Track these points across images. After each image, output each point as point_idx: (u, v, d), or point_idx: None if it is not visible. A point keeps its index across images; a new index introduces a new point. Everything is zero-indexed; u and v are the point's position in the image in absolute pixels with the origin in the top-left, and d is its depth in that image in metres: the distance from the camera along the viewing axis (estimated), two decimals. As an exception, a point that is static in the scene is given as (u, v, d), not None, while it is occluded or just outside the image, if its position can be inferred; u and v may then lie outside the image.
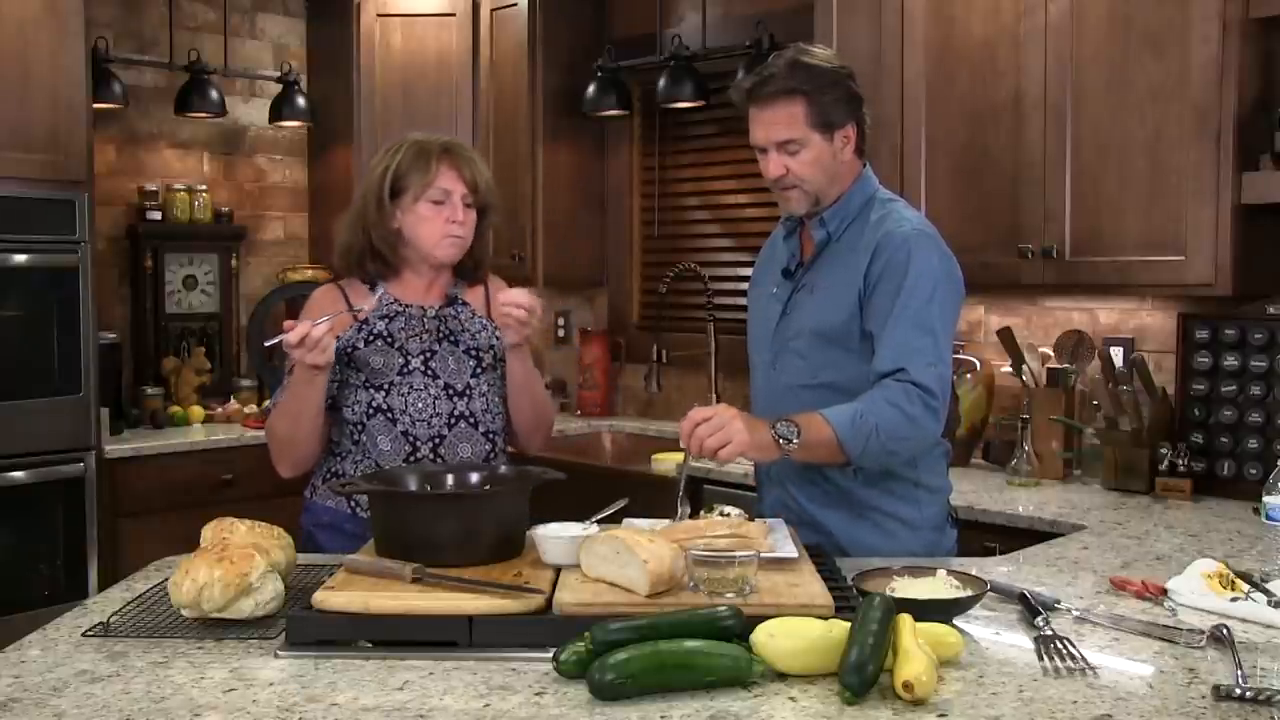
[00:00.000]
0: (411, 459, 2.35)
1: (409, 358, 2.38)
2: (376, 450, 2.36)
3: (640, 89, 4.64)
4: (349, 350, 2.37)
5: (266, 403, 2.42)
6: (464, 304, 2.48)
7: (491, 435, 2.43)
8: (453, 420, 2.38)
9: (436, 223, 2.37)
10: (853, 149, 2.30)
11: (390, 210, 2.38)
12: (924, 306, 2.19)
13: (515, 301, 2.28)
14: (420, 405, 2.36)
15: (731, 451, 2.04)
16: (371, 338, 2.39)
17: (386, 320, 2.40)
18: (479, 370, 2.42)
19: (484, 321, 2.47)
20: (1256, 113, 2.88)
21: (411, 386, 2.36)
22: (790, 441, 2.06)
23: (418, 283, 2.45)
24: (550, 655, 1.58)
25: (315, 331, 2.16)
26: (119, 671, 1.63)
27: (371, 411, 2.36)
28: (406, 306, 2.42)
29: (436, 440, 2.37)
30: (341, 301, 2.42)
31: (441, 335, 2.42)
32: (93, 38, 4.04)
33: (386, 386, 2.36)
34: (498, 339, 2.45)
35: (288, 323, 2.20)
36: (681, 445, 2.07)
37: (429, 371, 2.38)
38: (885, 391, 2.13)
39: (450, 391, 2.38)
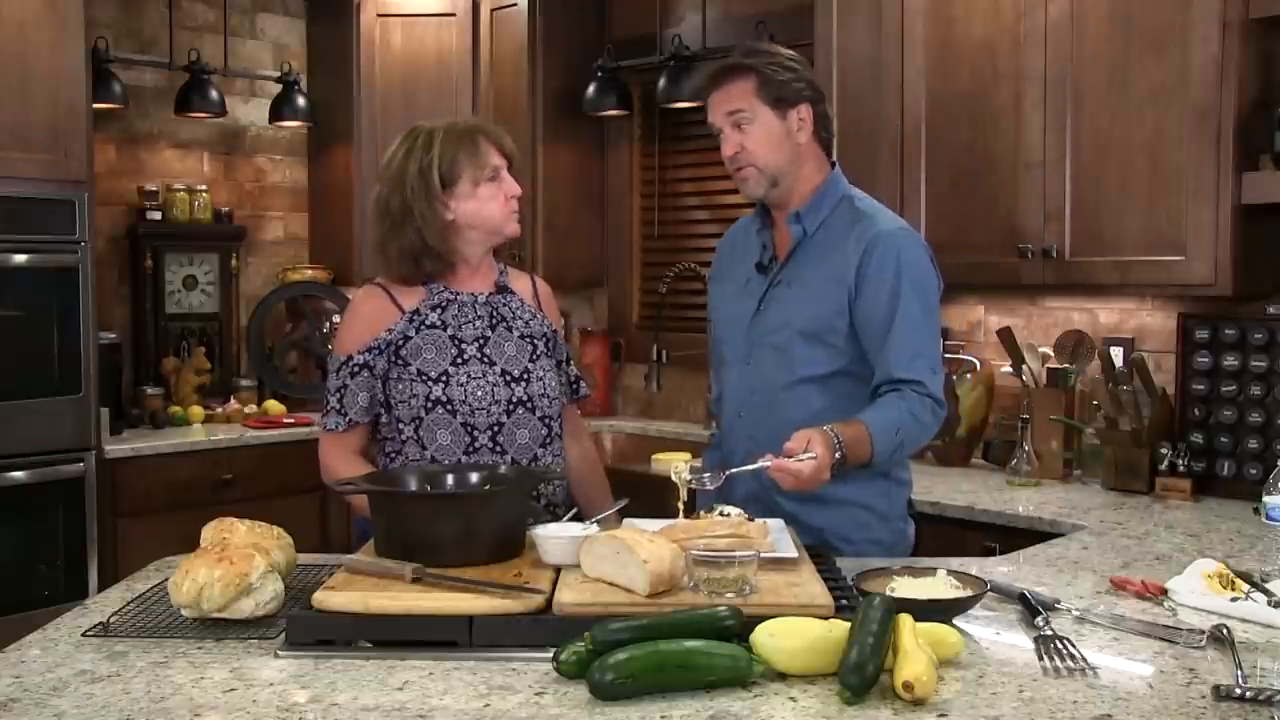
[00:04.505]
0: (470, 450, 2.32)
1: (463, 345, 2.36)
2: (435, 444, 2.31)
3: (640, 89, 4.64)
4: (400, 342, 2.34)
5: (317, 426, 2.38)
6: (512, 293, 2.47)
7: (548, 420, 2.39)
8: (511, 406, 2.34)
9: (499, 199, 2.36)
10: (810, 133, 2.33)
11: (444, 203, 2.35)
12: (923, 305, 2.26)
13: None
14: (480, 394, 2.31)
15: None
16: (424, 327, 2.36)
17: (439, 310, 2.38)
18: (535, 356, 2.41)
19: (533, 310, 2.47)
20: (1256, 113, 2.88)
21: (470, 375, 2.32)
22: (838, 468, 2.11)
23: (466, 271, 2.42)
24: (550, 655, 1.58)
25: None
26: (119, 671, 1.63)
27: (430, 405, 2.30)
28: (457, 294, 2.40)
29: (495, 428, 2.33)
30: (388, 302, 2.37)
31: (495, 321, 2.40)
32: (93, 38, 4.04)
33: (444, 378, 2.31)
34: (549, 327, 2.46)
35: None
36: (768, 470, 2.06)
37: (485, 358, 2.35)
38: (912, 404, 2.19)
39: (508, 377, 2.35)
